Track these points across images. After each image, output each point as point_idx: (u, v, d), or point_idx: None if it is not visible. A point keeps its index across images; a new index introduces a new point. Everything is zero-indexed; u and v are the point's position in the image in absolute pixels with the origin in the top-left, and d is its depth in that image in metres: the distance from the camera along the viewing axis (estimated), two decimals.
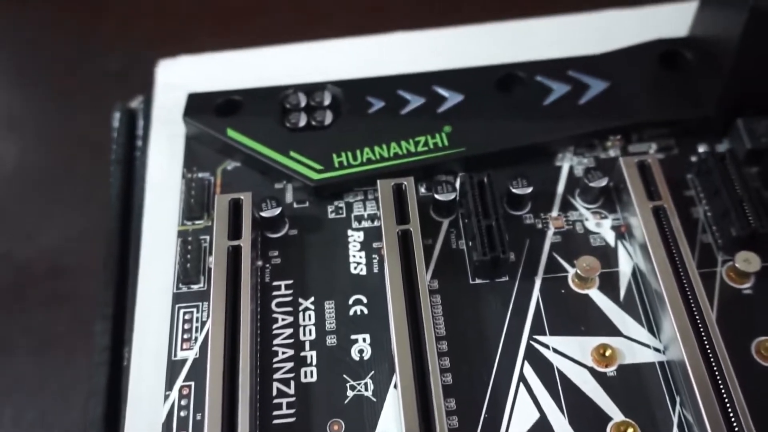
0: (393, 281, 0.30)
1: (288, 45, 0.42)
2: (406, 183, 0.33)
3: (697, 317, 0.29)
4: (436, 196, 0.33)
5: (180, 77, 0.40)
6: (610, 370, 0.29)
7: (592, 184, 0.33)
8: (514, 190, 0.33)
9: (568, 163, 0.35)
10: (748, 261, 0.31)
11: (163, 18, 0.63)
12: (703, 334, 0.28)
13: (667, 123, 0.35)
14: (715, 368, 0.27)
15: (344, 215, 0.34)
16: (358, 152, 0.34)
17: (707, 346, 0.28)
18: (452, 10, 0.66)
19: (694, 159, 0.35)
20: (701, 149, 0.35)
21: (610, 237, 0.33)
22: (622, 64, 0.36)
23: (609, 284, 0.32)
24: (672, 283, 0.29)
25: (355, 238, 0.33)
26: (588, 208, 0.34)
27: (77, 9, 0.62)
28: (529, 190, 0.33)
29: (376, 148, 0.34)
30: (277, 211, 0.33)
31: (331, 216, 0.34)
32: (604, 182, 0.33)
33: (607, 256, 0.32)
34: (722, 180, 0.32)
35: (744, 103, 0.34)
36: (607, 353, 0.29)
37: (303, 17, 0.64)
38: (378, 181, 0.33)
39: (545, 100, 0.36)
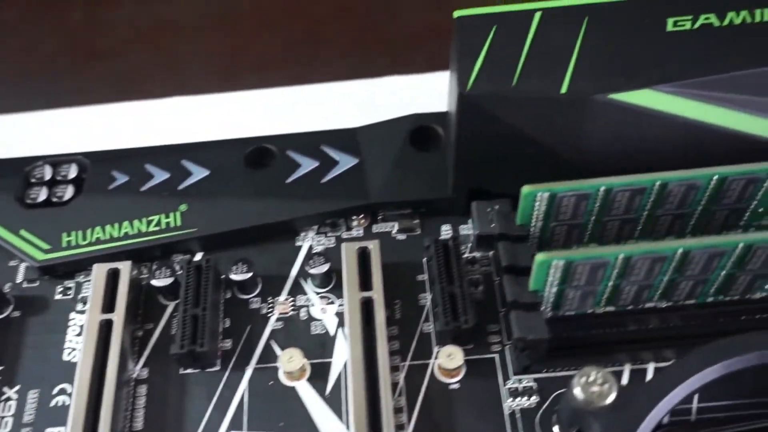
0: (82, 373, 0.29)
1: (79, 107, 0.42)
2: (121, 268, 0.32)
3: (379, 420, 0.28)
4: (152, 281, 0.32)
5: None
6: None
7: (312, 271, 0.32)
8: (231, 276, 0.32)
9: (308, 243, 0.34)
10: (451, 356, 0.30)
11: None
12: None
13: (407, 203, 0.34)
14: None
15: (72, 296, 0.33)
16: (89, 231, 0.34)
17: None
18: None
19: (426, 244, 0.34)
20: (445, 231, 0.34)
21: (332, 325, 0.32)
22: (375, 138, 0.36)
23: (320, 376, 0.31)
24: (360, 383, 0.29)
25: (77, 321, 0.33)
26: (318, 293, 0.33)
27: None
28: (248, 275, 0.32)
29: (108, 228, 0.34)
30: None
31: (58, 297, 0.33)
32: (324, 268, 0.32)
33: (324, 345, 0.32)
34: (438, 269, 0.31)
35: (479, 186, 0.33)
36: None
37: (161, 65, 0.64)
38: (94, 266, 0.32)
39: (289, 177, 0.35)
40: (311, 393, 0.30)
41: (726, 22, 0.30)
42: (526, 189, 0.29)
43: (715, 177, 0.28)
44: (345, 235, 0.35)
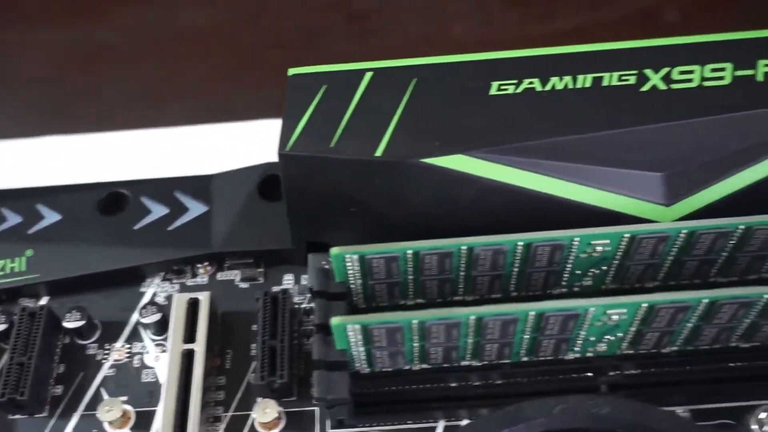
0: None
1: None
2: None
3: None
4: None
5: None
6: None
7: (143, 320, 0.33)
8: (64, 324, 0.33)
9: (153, 290, 0.35)
10: (266, 410, 0.30)
11: None
12: None
13: (248, 253, 0.35)
14: None
15: None
16: None
17: None
18: None
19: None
20: (287, 281, 0.35)
21: (163, 373, 0.33)
22: (226, 186, 0.36)
23: (144, 425, 0.31)
24: None
25: None
26: (154, 340, 0.34)
27: None
28: (81, 323, 0.33)
29: None
30: None
31: None
32: (156, 318, 0.33)
33: (153, 394, 0.32)
34: (263, 323, 0.32)
35: (315, 238, 0.34)
36: None
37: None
38: None
39: (138, 224, 0.35)
40: None
41: (548, 86, 0.31)
42: (334, 251, 0.29)
43: (520, 243, 0.29)
44: (190, 283, 0.35)
